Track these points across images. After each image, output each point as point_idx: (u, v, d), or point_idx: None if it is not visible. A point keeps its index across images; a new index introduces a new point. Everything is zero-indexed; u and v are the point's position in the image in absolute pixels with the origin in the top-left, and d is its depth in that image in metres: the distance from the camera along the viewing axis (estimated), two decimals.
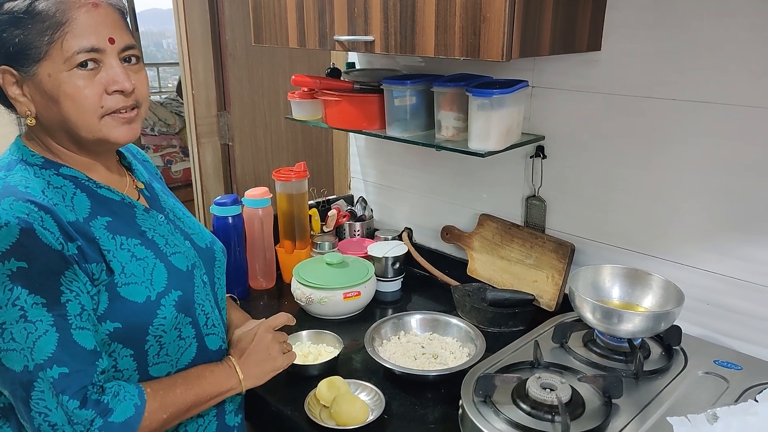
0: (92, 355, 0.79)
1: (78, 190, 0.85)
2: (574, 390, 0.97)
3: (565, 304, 1.33)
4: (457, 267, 1.59)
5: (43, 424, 0.75)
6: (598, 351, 1.11)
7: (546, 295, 1.38)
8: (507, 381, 0.99)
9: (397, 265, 1.56)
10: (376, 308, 1.52)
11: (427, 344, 1.26)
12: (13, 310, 0.74)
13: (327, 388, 1.09)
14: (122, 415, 0.79)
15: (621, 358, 1.09)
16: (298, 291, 1.43)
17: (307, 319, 1.44)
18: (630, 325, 1.05)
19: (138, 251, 0.86)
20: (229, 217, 1.51)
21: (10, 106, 0.85)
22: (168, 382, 0.88)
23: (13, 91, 0.82)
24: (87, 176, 0.88)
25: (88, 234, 0.81)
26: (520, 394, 0.97)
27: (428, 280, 1.61)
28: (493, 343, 1.24)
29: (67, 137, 0.85)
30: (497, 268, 1.49)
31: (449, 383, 1.11)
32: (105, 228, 0.84)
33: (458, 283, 1.53)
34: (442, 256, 1.65)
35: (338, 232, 1.76)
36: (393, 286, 1.57)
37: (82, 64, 0.80)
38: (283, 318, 1.08)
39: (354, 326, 1.41)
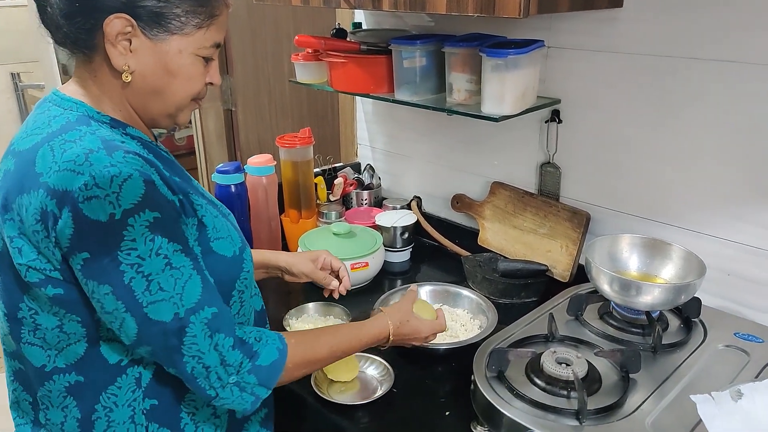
0: (219, 295, 0.80)
1: (147, 150, 0.83)
2: (590, 365, 0.93)
3: (579, 274, 1.30)
4: (467, 237, 1.54)
5: (197, 367, 0.75)
6: (615, 324, 1.07)
7: (560, 266, 1.34)
8: (521, 356, 0.96)
9: (406, 235, 1.52)
10: (385, 279, 1.48)
11: None
12: (158, 260, 0.73)
13: None
14: (268, 358, 0.80)
15: (638, 331, 1.05)
16: None
17: (313, 291, 1.40)
18: (649, 298, 1.01)
19: (210, 209, 0.86)
20: (232, 186, 1.46)
21: (81, 47, 0.79)
22: (305, 333, 0.94)
23: (119, 42, 0.78)
24: (148, 137, 0.87)
25: (182, 188, 0.81)
26: (534, 369, 0.94)
27: (438, 250, 1.58)
28: (505, 315, 1.21)
29: (142, 102, 0.83)
30: (509, 238, 1.45)
31: (460, 357, 1.08)
32: (182, 185, 0.84)
33: (469, 254, 1.49)
34: (452, 225, 1.61)
35: (345, 201, 1.71)
36: (402, 256, 1.53)
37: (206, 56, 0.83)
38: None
39: (362, 298, 1.37)
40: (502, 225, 1.46)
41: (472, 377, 0.95)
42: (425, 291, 1.29)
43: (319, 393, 1.02)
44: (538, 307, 1.15)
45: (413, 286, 1.14)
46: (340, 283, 1.16)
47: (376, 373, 1.09)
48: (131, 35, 0.77)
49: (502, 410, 0.87)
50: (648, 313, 1.05)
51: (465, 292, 1.28)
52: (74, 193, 0.70)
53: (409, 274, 1.52)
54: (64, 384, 0.81)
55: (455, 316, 1.23)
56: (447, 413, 1.00)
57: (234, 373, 0.77)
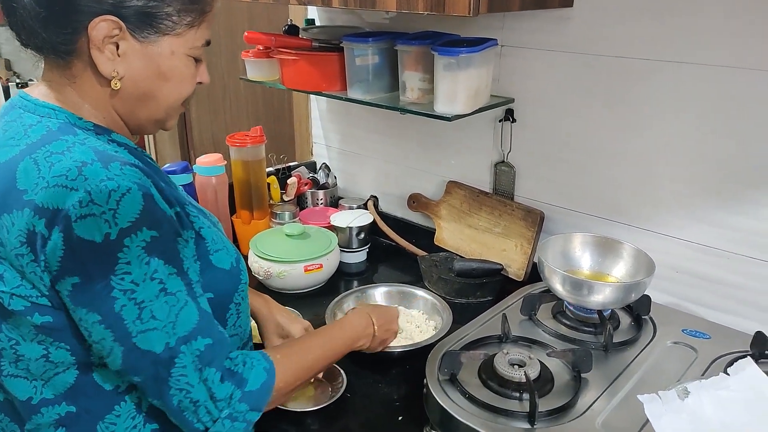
0: (215, 322, 0.75)
1: (134, 157, 0.76)
2: (542, 365, 0.93)
3: (534, 273, 1.29)
4: (424, 236, 1.53)
5: (183, 401, 0.70)
6: (568, 323, 1.08)
7: (515, 265, 1.34)
8: (473, 358, 0.94)
9: (362, 235, 1.49)
10: (340, 280, 1.46)
11: None
12: (152, 285, 0.67)
13: None
14: (256, 381, 0.75)
15: (590, 329, 1.05)
16: (256, 264, 1.36)
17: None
18: (600, 297, 1.01)
19: (203, 220, 0.81)
20: (180, 186, 1.41)
21: (59, 52, 0.72)
22: (290, 343, 0.93)
23: (106, 46, 0.71)
24: (133, 144, 0.81)
25: (178, 199, 0.76)
26: (487, 371, 0.93)
27: (395, 250, 1.56)
28: (461, 315, 1.20)
29: (131, 108, 0.77)
30: (465, 237, 1.44)
31: (415, 359, 1.06)
32: (176, 196, 0.78)
33: (425, 253, 1.48)
34: (408, 225, 1.59)
35: (300, 202, 1.68)
36: (358, 257, 1.51)
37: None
38: None
39: (316, 300, 1.34)
40: (458, 224, 1.45)
41: (425, 381, 0.93)
42: (380, 292, 1.28)
43: None
44: (493, 307, 1.15)
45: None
46: None
47: (327, 378, 1.06)
48: (119, 38, 0.71)
49: (454, 414, 0.85)
50: (600, 312, 1.05)
51: (420, 292, 1.26)
52: (68, 211, 0.64)
53: (366, 275, 1.50)
54: (53, 416, 0.74)
55: (410, 318, 1.22)
56: (400, 418, 0.99)
57: (225, 407, 0.72)
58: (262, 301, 1.06)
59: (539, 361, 0.93)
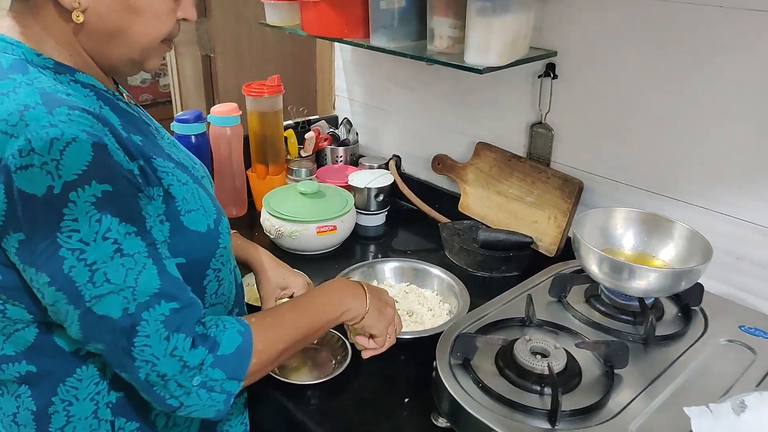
0: (186, 286, 0.66)
1: (101, 102, 0.67)
2: (569, 357, 0.81)
3: (568, 250, 1.17)
4: (448, 201, 1.41)
5: (151, 375, 0.62)
6: (603, 309, 0.95)
7: (546, 239, 1.21)
8: (491, 343, 0.83)
9: (381, 197, 1.38)
10: (356, 244, 1.36)
11: (402, 297, 1.09)
12: (105, 245, 0.59)
13: None
14: (230, 344, 0.66)
15: (629, 318, 0.93)
16: (267, 222, 1.26)
17: (276, 254, 1.26)
18: (643, 283, 0.88)
19: (179, 175, 0.71)
20: (192, 136, 1.32)
21: None
22: (270, 310, 0.83)
23: None
24: (104, 86, 0.71)
25: (141, 152, 0.66)
26: (505, 359, 0.82)
27: (416, 214, 1.44)
28: (482, 290, 1.10)
29: (99, 46, 0.68)
30: (492, 205, 1.31)
31: (425, 344, 0.95)
32: (143, 147, 0.68)
33: (448, 220, 1.36)
34: (432, 188, 1.47)
35: (319, 158, 1.57)
36: (376, 220, 1.41)
37: None
38: None
39: (328, 264, 1.25)
40: (485, 190, 1.32)
41: (434, 364, 0.83)
42: (390, 268, 1.16)
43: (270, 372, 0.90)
44: (518, 285, 1.03)
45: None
46: None
47: (331, 351, 0.97)
48: None
49: (463, 405, 0.75)
50: (641, 300, 0.92)
51: (435, 270, 1.14)
52: (7, 160, 0.57)
53: (383, 240, 1.39)
54: (14, 374, 0.69)
55: (422, 299, 1.10)
56: (407, 400, 0.89)
57: (197, 373, 0.63)
58: (258, 252, 0.97)
59: (566, 351, 0.82)
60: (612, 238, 1.02)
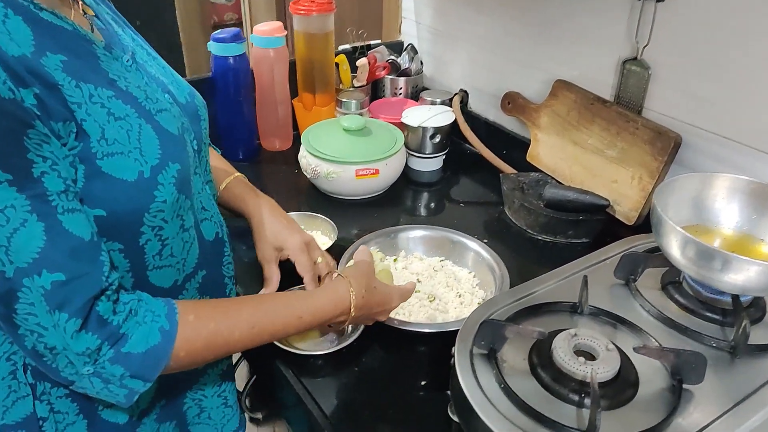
0: (93, 249, 0.55)
1: (9, 10, 0.54)
2: (624, 361, 0.64)
3: None
4: (516, 148, 1.22)
5: (38, 345, 0.53)
6: (682, 302, 0.75)
7: (626, 202, 1.00)
8: (524, 334, 0.67)
9: (438, 139, 1.21)
10: (407, 190, 1.21)
11: (429, 276, 0.91)
12: None
13: None
14: (142, 342, 0.56)
15: (716, 317, 0.73)
16: (304, 160, 1.14)
17: (313, 197, 1.16)
18: (740, 278, 0.67)
19: (115, 107, 0.58)
20: (230, 58, 1.20)
21: None
22: (220, 303, 0.67)
23: None
24: None
25: (44, 76, 0.53)
26: (541, 355, 0.66)
27: (478, 161, 1.26)
28: (541, 256, 0.94)
29: None
30: (567, 157, 1.10)
31: (449, 336, 0.79)
32: (62, 70, 0.54)
33: (513, 171, 1.17)
34: (499, 131, 1.28)
35: (377, 90, 1.41)
36: (431, 164, 1.25)
37: None
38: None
39: (368, 211, 1.12)
40: (560, 138, 1.11)
41: (452, 350, 0.68)
42: (415, 238, 0.97)
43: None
44: (580, 259, 0.84)
45: (362, 247, 0.83)
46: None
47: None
48: None
49: (475, 407, 0.60)
50: (735, 298, 0.71)
51: (474, 245, 0.94)
52: None
53: (437, 187, 1.23)
54: None
55: (454, 279, 0.91)
56: (423, 383, 0.76)
57: (89, 363, 0.54)
58: (257, 202, 0.85)
59: (620, 352, 0.64)
60: (708, 212, 0.80)
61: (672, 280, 0.78)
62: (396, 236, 0.97)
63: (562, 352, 0.64)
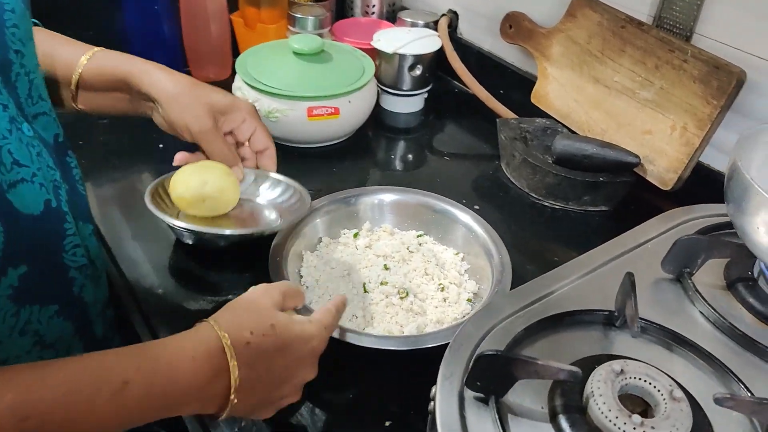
0: None
1: None
2: (697, 412, 0.42)
3: (698, 183, 0.73)
4: (518, 86, 0.96)
5: None
6: (760, 308, 0.53)
7: (662, 160, 0.76)
8: (542, 372, 0.43)
9: (419, 71, 0.95)
10: (378, 137, 0.97)
11: (401, 260, 0.65)
12: None
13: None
14: None
15: None
16: (239, 92, 0.87)
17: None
18: None
19: None
20: None
21: None
22: (30, 366, 0.37)
23: None
24: None
25: None
26: (568, 402, 0.43)
27: (469, 101, 1.01)
28: (545, 231, 0.74)
29: None
30: (584, 99, 0.85)
31: (427, 355, 0.55)
32: None
33: (514, 115, 0.92)
34: (497, 64, 1.02)
35: (343, 7, 1.13)
36: (409, 104, 1.00)
37: None
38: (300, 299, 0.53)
39: (325, 165, 0.86)
40: (575, 74, 0.86)
41: (432, 391, 0.45)
42: (384, 203, 0.71)
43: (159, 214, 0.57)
44: (608, 243, 0.60)
45: None
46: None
47: (273, 197, 0.66)
48: None
49: None
50: None
51: (462, 215, 0.69)
52: None
53: (417, 135, 0.98)
54: None
55: (435, 264, 0.65)
56: (387, 423, 0.54)
57: None
58: (146, 66, 0.59)
59: (691, 401, 0.42)
60: None
61: (742, 276, 0.55)
62: (358, 201, 0.71)
63: (602, 401, 0.41)
